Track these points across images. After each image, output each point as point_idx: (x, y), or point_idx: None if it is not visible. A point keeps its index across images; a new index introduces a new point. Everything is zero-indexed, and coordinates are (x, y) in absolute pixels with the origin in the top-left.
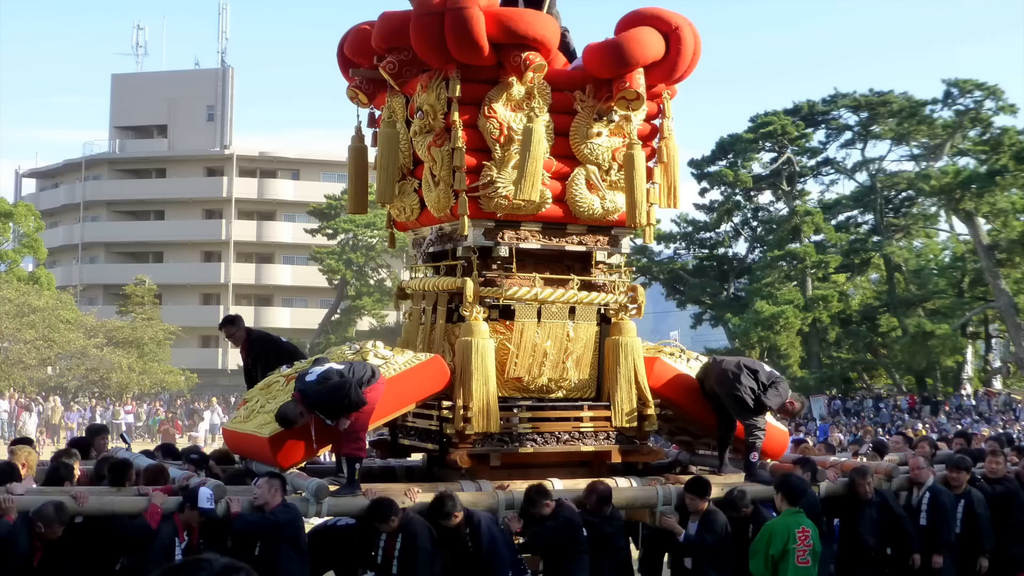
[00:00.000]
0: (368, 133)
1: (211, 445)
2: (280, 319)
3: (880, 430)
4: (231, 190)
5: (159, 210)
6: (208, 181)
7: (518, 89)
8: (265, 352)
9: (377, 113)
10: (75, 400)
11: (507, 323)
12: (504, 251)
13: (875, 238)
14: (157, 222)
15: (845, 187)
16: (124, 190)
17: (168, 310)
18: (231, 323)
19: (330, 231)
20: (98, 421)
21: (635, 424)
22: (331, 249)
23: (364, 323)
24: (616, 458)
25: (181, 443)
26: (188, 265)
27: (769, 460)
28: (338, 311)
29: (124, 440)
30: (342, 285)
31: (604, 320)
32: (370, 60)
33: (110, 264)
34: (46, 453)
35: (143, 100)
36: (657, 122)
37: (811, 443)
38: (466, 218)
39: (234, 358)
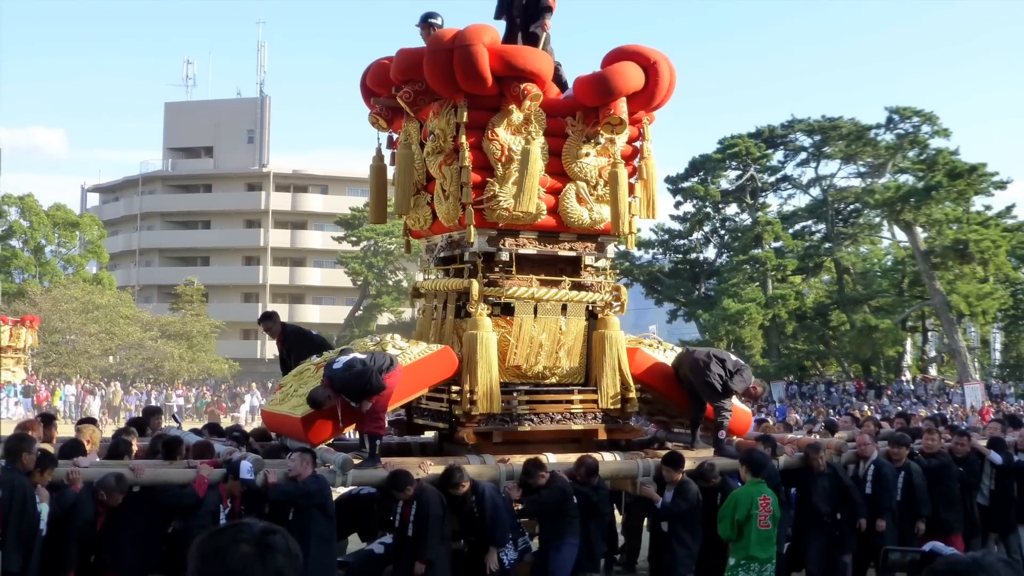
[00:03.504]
0: (387, 154)
1: (251, 424)
2: (311, 315)
3: (831, 411)
4: (268, 203)
5: (206, 220)
6: (248, 195)
7: (517, 115)
8: (298, 343)
9: (395, 136)
10: (133, 385)
11: (508, 319)
12: (505, 256)
13: (827, 245)
14: (204, 231)
15: (801, 200)
16: (175, 203)
17: (214, 307)
18: (268, 318)
19: (354, 238)
20: (153, 403)
21: (619, 406)
22: (355, 254)
23: (384, 319)
24: (602, 436)
25: (225, 423)
26: (231, 268)
27: (735, 437)
28: (361, 308)
29: (176, 420)
30: (365, 285)
31: (592, 316)
32: (389, 90)
33: (163, 267)
34: (108, 431)
35: (192, 125)
36: (638, 144)
37: (771, 422)
38: (472, 227)
39: (271, 349)
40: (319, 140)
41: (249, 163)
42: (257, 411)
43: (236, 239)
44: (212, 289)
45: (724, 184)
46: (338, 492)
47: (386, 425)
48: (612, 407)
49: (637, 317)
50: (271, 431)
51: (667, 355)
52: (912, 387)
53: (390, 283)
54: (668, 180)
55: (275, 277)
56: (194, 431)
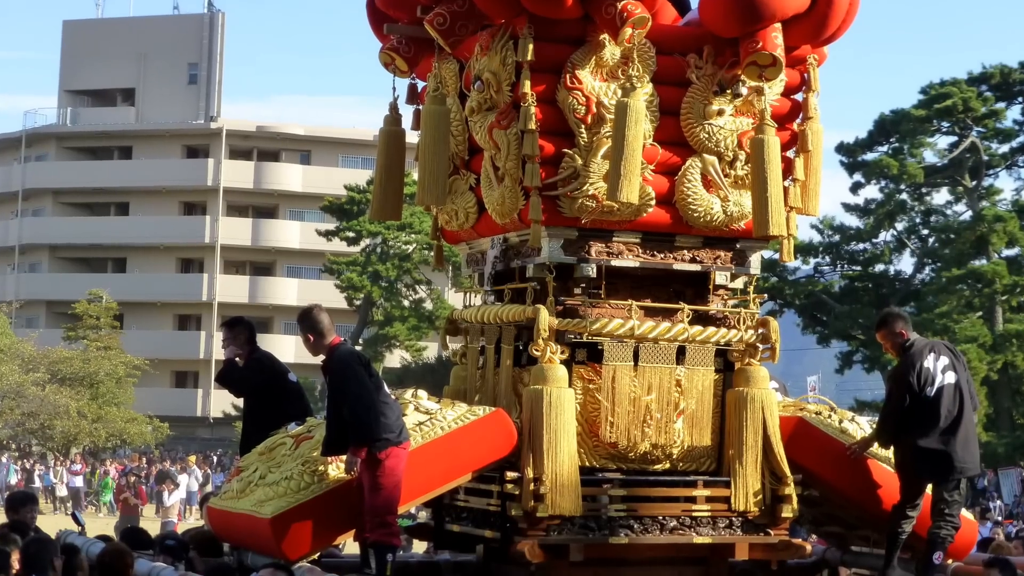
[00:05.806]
0: (408, 111)
1: (186, 520)
2: (282, 349)
3: None
4: (218, 177)
5: (122, 202)
6: (187, 164)
7: (611, 51)
8: (267, 385)
9: (421, 84)
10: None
11: (595, 367)
12: (591, 270)
13: None
14: (119, 218)
15: None
16: (77, 175)
17: (132, 336)
18: (235, 326)
19: (351, 234)
20: (35, 484)
21: (767, 509)
22: (352, 258)
23: (395, 357)
24: (741, 554)
25: (148, 523)
26: (159, 276)
27: (951, 560)
28: (360, 341)
29: (77, 521)
30: (366, 306)
31: (727, 365)
32: (412, 12)
33: (56, 274)
34: None
35: (104, 56)
36: (800, 96)
37: (1002, 535)
38: (539, 226)
39: (218, 403)
40: (297, 80)
41: (190, 114)
42: (196, 499)
43: (168, 231)
44: (130, 308)
45: (929, 157)
46: None
47: (400, 532)
48: (756, 509)
49: (790, 361)
50: (222, 539)
51: (847, 427)
52: None
53: (406, 304)
54: (841, 150)
55: (227, 291)
56: (102, 539)
